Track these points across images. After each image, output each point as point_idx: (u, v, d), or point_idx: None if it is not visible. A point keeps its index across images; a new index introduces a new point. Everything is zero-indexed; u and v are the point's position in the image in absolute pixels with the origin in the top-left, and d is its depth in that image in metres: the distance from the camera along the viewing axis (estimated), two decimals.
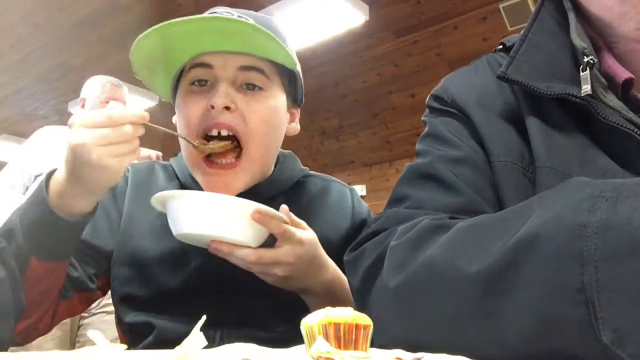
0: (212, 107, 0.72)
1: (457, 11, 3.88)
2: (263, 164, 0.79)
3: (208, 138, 0.75)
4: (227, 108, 0.72)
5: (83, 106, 2.28)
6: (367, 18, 3.57)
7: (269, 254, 0.67)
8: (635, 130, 0.52)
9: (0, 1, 3.85)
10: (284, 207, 0.70)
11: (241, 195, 0.75)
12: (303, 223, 0.72)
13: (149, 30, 0.69)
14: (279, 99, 0.78)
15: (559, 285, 0.36)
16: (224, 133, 0.74)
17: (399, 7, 3.86)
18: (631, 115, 0.53)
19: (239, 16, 0.74)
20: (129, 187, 0.84)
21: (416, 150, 0.67)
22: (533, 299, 0.37)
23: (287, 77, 0.80)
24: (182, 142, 0.78)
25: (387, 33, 4.15)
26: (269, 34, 0.70)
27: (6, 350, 0.61)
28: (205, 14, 0.75)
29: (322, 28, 3.65)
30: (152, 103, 6.43)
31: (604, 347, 0.34)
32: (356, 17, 3.53)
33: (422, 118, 0.70)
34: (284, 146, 0.88)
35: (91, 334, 0.40)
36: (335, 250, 0.78)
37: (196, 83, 0.76)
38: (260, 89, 0.76)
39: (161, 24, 0.69)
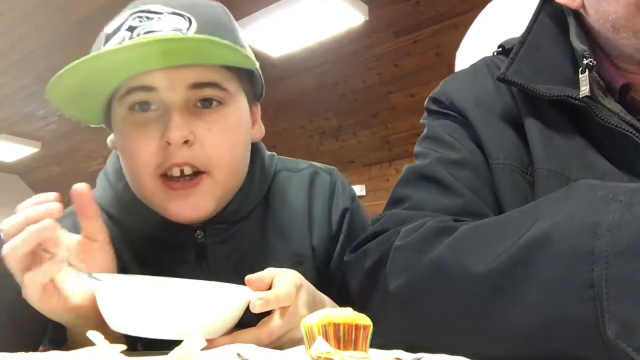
0: (169, 143, 0.60)
1: (457, 11, 3.87)
2: (232, 186, 0.68)
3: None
4: (186, 142, 0.61)
5: None
6: (367, 18, 3.57)
7: (277, 331, 0.53)
8: (634, 132, 0.52)
9: (1, 1, 3.85)
10: (249, 279, 0.55)
11: (214, 218, 0.67)
12: (269, 273, 0.55)
13: (70, 67, 0.58)
14: (241, 107, 0.67)
15: (569, 282, 0.36)
16: (188, 172, 0.62)
17: (399, 7, 3.85)
18: (629, 118, 0.54)
19: (173, 12, 0.62)
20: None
21: (415, 152, 0.67)
22: (541, 297, 0.37)
23: (246, 76, 0.68)
24: (131, 172, 0.65)
25: (387, 33, 4.14)
26: (223, 43, 0.58)
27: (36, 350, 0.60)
28: (135, 13, 0.63)
29: (322, 28, 3.64)
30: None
31: (609, 344, 0.34)
32: (356, 17, 3.53)
33: (421, 121, 0.71)
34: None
35: (90, 334, 0.40)
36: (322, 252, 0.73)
37: (137, 108, 0.63)
38: (220, 103, 0.64)
39: (85, 57, 0.57)
